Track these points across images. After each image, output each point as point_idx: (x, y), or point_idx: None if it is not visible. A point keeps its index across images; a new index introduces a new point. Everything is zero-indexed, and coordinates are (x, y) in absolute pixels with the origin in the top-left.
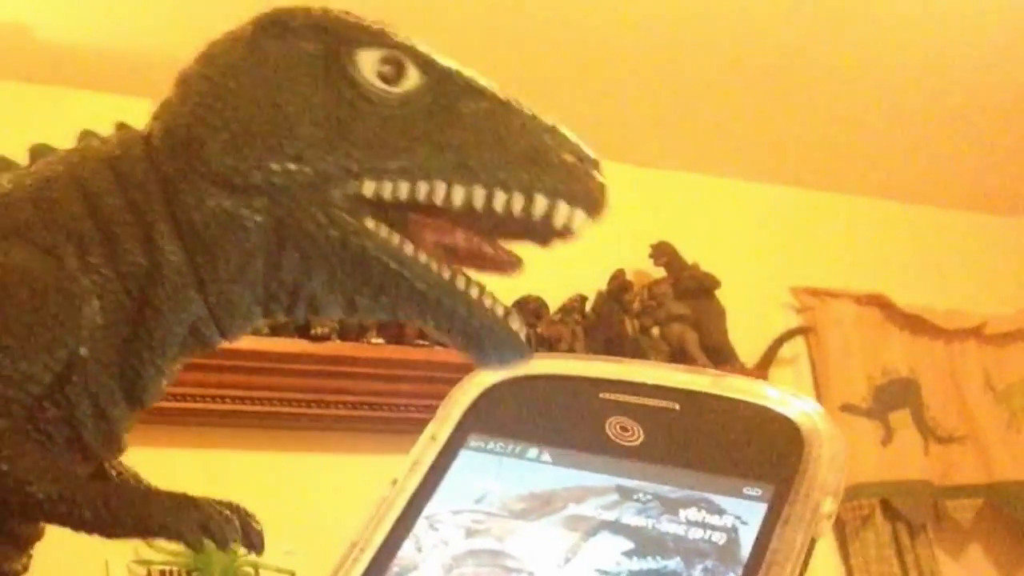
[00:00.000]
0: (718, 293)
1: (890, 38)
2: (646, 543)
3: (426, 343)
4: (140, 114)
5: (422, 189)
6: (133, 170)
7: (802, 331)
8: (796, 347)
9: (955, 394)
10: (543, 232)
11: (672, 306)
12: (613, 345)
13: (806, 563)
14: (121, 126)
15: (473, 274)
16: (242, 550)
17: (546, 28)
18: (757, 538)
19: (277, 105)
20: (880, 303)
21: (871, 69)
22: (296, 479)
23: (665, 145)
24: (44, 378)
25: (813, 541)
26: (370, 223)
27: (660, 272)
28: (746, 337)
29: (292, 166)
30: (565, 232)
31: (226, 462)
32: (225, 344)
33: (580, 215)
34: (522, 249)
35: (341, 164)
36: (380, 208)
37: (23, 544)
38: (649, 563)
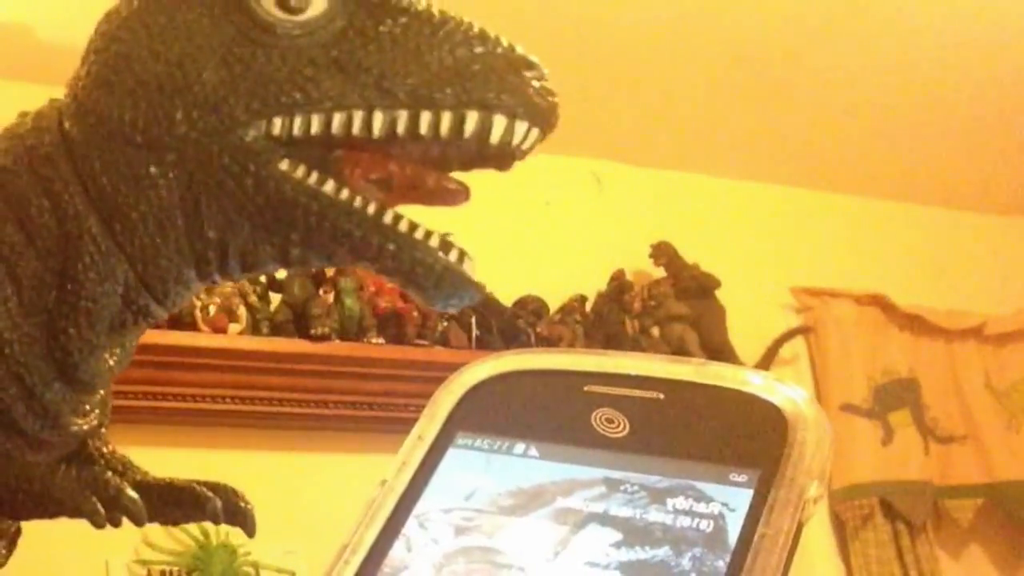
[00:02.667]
0: (718, 293)
1: (890, 38)
2: (634, 533)
3: (426, 343)
4: None
5: (336, 120)
6: (41, 141)
7: (802, 331)
8: (796, 347)
9: (955, 394)
10: (487, 153)
11: (672, 306)
12: (613, 345)
13: (794, 548)
14: (52, 101)
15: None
16: (242, 549)
17: (545, 27)
18: (744, 524)
19: (172, 52)
20: (880, 303)
21: (871, 69)
22: (296, 479)
23: (665, 145)
24: None
25: (800, 526)
26: (285, 164)
27: (660, 272)
28: (746, 337)
29: (194, 114)
30: (509, 149)
31: (226, 462)
32: (167, 314)
33: (522, 128)
34: (522, 250)
35: (246, 104)
36: (296, 147)
37: None
38: (638, 553)
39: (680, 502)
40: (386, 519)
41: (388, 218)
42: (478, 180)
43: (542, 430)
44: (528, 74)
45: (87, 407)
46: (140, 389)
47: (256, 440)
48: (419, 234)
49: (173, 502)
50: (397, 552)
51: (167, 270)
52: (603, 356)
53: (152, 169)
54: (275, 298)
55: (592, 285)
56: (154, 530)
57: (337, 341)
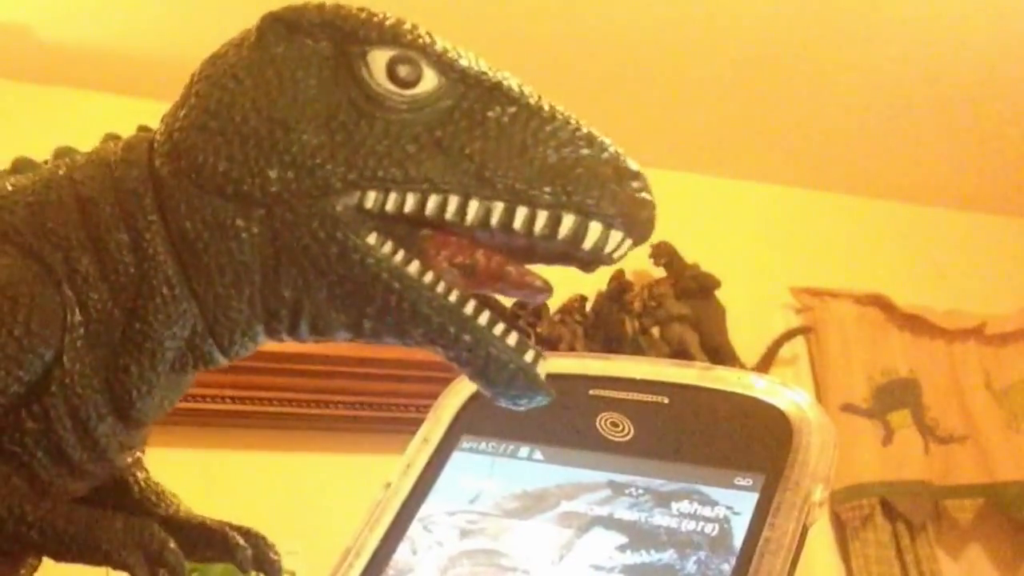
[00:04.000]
0: (718, 293)
1: (890, 38)
2: (639, 537)
3: None
4: (140, 114)
5: (432, 201)
6: (129, 175)
7: (802, 331)
8: (796, 347)
9: (955, 394)
10: (576, 255)
11: (672, 306)
12: (613, 345)
13: (799, 552)
14: (141, 128)
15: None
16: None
17: (545, 27)
18: (749, 528)
19: (276, 108)
20: (880, 303)
21: (871, 69)
22: (296, 479)
23: (665, 145)
24: (11, 388)
25: (806, 529)
26: (372, 238)
27: (660, 272)
28: (746, 337)
29: (289, 174)
30: (600, 256)
31: (226, 462)
32: (228, 363)
33: (616, 237)
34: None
35: (341, 173)
36: (386, 222)
37: (15, 558)
38: (643, 557)
39: (685, 506)
40: (390, 522)
41: (469, 309)
42: None
43: (547, 433)
44: (632, 184)
45: (133, 441)
46: None
47: (256, 440)
48: (497, 330)
49: (204, 542)
50: (401, 555)
51: (236, 322)
52: (608, 360)
53: (238, 222)
54: None
55: (592, 285)
56: None
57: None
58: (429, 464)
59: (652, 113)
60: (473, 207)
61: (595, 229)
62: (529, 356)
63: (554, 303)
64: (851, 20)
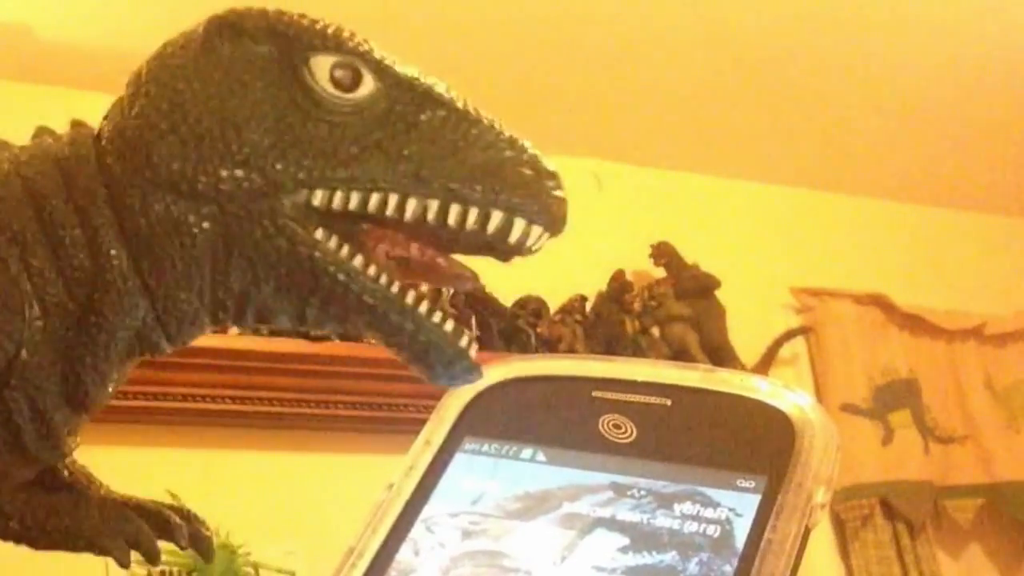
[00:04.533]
0: (718, 293)
1: (890, 38)
2: (641, 538)
3: None
4: None
5: (374, 200)
6: (80, 172)
7: (802, 331)
8: (796, 347)
9: (955, 394)
10: (500, 248)
11: (672, 306)
12: (613, 345)
13: (800, 553)
14: (76, 124)
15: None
16: (242, 549)
17: (546, 28)
18: (751, 529)
19: (227, 109)
20: (880, 303)
21: (871, 69)
22: (296, 479)
23: (665, 145)
24: None
25: (807, 531)
26: (319, 233)
27: (660, 272)
28: (746, 337)
29: (240, 173)
30: (521, 248)
31: (226, 462)
32: (172, 350)
33: (537, 231)
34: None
35: (291, 172)
36: (331, 218)
37: None
38: (645, 558)
39: (687, 507)
40: (393, 523)
41: (410, 299)
42: None
43: (549, 435)
44: (548, 183)
45: (79, 428)
46: (140, 389)
47: (255, 440)
48: (436, 318)
49: (145, 523)
50: (404, 556)
51: (185, 313)
52: (610, 362)
53: (191, 217)
54: None
55: (592, 285)
56: None
57: (337, 341)
58: (432, 465)
59: (652, 113)
60: (411, 205)
61: (519, 224)
62: (464, 341)
63: (554, 303)
64: (852, 20)
